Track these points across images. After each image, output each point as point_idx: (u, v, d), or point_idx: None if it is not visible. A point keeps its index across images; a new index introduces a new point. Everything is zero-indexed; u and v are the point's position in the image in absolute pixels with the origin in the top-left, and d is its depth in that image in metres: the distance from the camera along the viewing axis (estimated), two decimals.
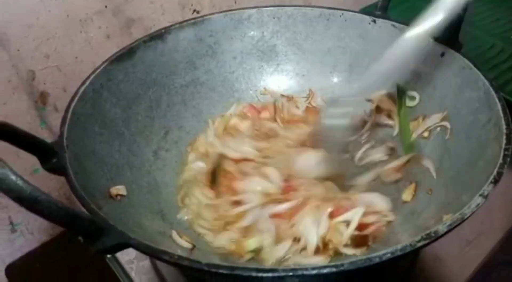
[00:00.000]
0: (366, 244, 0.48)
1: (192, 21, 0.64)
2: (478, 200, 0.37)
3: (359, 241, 0.48)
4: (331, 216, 0.50)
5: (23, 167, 0.61)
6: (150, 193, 0.54)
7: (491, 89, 0.49)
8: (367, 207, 0.50)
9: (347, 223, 0.49)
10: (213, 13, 0.66)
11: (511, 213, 0.64)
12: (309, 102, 0.69)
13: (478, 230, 0.60)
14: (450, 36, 0.57)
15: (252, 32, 0.68)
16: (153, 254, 0.34)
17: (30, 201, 0.30)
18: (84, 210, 0.38)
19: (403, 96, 0.62)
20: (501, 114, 0.46)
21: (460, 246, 0.59)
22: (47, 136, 0.67)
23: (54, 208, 0.31)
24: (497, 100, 0.47)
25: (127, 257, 0.63)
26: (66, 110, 0.47)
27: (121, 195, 0.48)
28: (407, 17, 0.61)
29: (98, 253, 0.35)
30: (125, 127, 0.55)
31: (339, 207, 0.50)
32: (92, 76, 0.52)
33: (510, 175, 0.48)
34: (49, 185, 0.71)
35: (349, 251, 0.47)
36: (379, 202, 0.52)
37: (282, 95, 0.70)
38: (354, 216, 0.49)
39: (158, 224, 0.51)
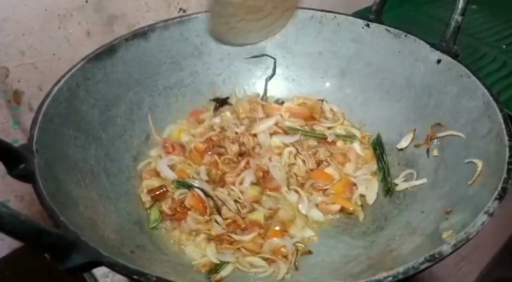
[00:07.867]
0: None
1: (178, 19, 0.61)
2: (483, 217, 0.35)
3: None
4: None
5: None
6: (128, 201, 0.51)
7: (491, 98, 0.47)
8: None
9: None
10: (200, 12, 0.63)
11: (505, 226, 0.62)
12: None
13: (472, 244, 0.57)
14: (446, 42, 0.55)
15: None
16: (129, 274, 0.30)
17: None
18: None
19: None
20: (503, 126, 0.43)
21: (454, 261, 0.57)
22: (20, 138, 0.62)
23: (16, 222, 0.27)
24: (498, 110, 0.45)
25: (102, 270, 0.59)
26: (38, 111, 0.43)
27: None
28: (402, 22, 0.60)
29: (67, 272, 0.31)
30: (103, 131, 0.52)
31: None
32: (68, 75, 0.49)
33: None
34: (21, 190, 0.66)
35: None
36: None
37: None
38: None
39: (136, 235, 0.47)
